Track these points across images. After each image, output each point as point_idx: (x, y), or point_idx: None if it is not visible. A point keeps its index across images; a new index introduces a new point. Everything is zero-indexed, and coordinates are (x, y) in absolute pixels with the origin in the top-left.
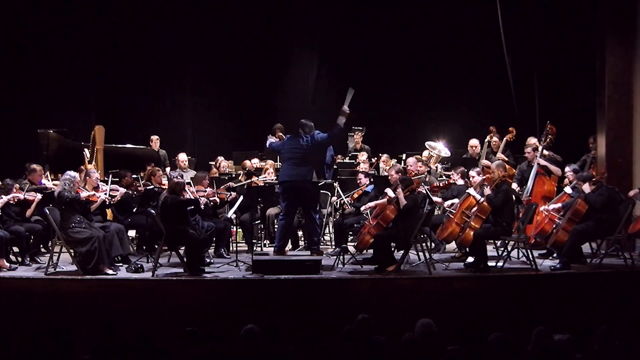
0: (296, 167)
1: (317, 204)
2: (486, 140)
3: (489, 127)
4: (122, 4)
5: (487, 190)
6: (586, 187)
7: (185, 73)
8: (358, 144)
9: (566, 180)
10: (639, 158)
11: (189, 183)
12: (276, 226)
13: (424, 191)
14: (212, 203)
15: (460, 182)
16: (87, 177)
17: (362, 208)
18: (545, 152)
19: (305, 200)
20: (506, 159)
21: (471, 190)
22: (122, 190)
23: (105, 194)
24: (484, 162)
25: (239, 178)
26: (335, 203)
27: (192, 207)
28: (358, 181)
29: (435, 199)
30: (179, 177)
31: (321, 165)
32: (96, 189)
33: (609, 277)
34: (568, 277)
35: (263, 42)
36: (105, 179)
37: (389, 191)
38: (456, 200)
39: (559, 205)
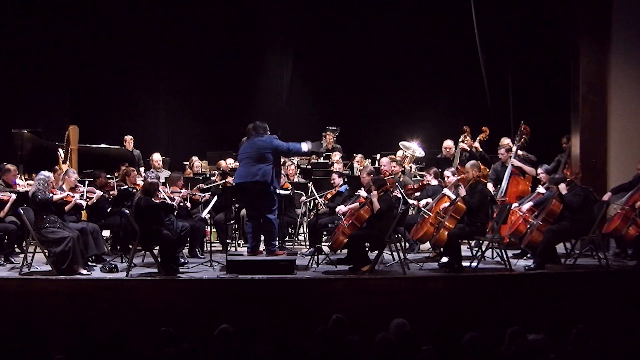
0: (246, 168)
1: (270, 205)
2: (460, 140)
3: (463, 127)
4: (96, 4)
5: (462, 191)
6: (562, 188)
7: (159, 73)
8: (330, 144)
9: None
10: (614, 158)
11: (163, 183)
12: None
13: (398, 194)
14: (185, 204)
15: (434, 182)
16: (66, 177)
17: (338, 209)
18: (520, 152)
19: (256, 201)
20: (480, 149)
21: (446, 191)
22: (99, 193)
23: (82, 195)
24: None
25: (214, 178)
26: (308, 203)
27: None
28: (332, 181)
29: (410, 201)
30: (155, 177)
31: (276, 173)
32: (73, 189)
33: (583, 277)
34: (542, 277)
35: (237, 43)
36: (83, 179)
37: (361, 192)
38: (430, 200)
39: (531, 203)
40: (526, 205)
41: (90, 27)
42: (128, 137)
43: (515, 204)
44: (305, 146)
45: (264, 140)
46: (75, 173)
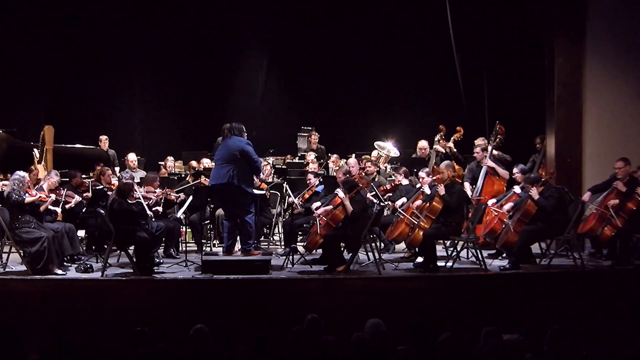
0: (218, 169)
1: (244, 205)
2: (436, 139)
3: (439, 126)
4: (71, 5)
5: (441, 190)
6: (534, 193)
7: (134, 73)
8: (314, 144)
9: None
10: (589, 158)
11: (138, 184)
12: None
13: (371, 197)
14: (160, 204)
15: (405, 182)
16: (48, 178)
17: (314, 206)
18: (495, 152)
19: (229, 202)
20: (454, 149)
21: (425, 187)
22: (78, 198)
23: (61, 197)
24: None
25: (187, 179)
26: (283, 203)
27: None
28: (308, 181)
29: (386, 202)
30: (129, 178)
31: (247, 174)
32: (54, 191)
33: (558, 277)
34: (517, 277)
35: (213, 43)
36: (64, 179)
37: (339, 192)
38: (405, 199)
39: (511, 204)
40: (507, 206)
41: (66, 27)
42: (103, 137)
43: (492, 200)
44: (261, 176)
45: (236, 141)
46: (58, 175)
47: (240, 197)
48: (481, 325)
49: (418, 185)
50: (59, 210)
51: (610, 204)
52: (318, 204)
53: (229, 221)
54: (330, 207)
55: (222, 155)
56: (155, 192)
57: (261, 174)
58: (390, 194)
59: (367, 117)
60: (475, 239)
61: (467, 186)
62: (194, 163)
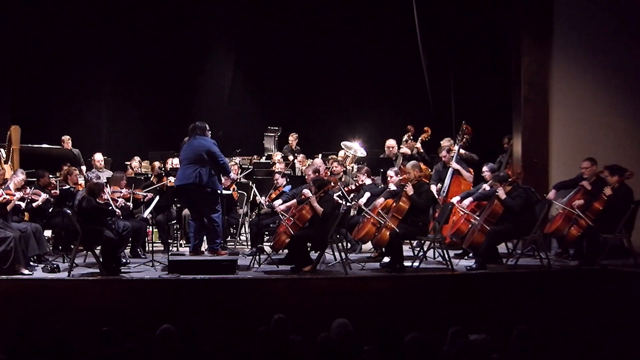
0: (184, 169)
1: (211, 205)
2: (404, 139)
3: (407, 126)
4: (37, 4)
5: (410, 189)
6: (501, 193)
7: (101, 73)
8: (292, 145)
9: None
10: (555, 158)
11: (105, 184)
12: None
13: (338, 199)
14: (128, 204)
15: (369, 181)
16: (14, 177)
17: (275, 203)
18: (462, 150)
19: (195, 202)
20: (422, 150)
21: (391, 185)
22: (44, 196)
23: (27, 195)
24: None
25: (152, 179)
26: (250, 203)
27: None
28: (275, 181)
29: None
30: (97, 177)
31: (214, 174)
32: (19, 189)
33: (525, 277)
34: (484, 277)
35: (179, 42)
36: (31, 179)
37: (306, 192)
38: (368, 194)
39: (471, 199)
40: (467, 201)
41: (32, 27)
42: (66, 137)
43: (456, 198)
44: (233, 175)
45: (202, 142)
46: (24, 174)
47: (206, 196)
48: (448, 325)
49: (382, 186)
50: (23, 205)
51: (576, 205)
52: (280, 201)
53: (195, 221)
54: (293, 201)
55: (187, 156)
56: (121, 191)
57: (232, 173)
58: (354, 194)
59: (334, 117)
60: (442, 239)
61: (433, 188)
62: (157, 164)
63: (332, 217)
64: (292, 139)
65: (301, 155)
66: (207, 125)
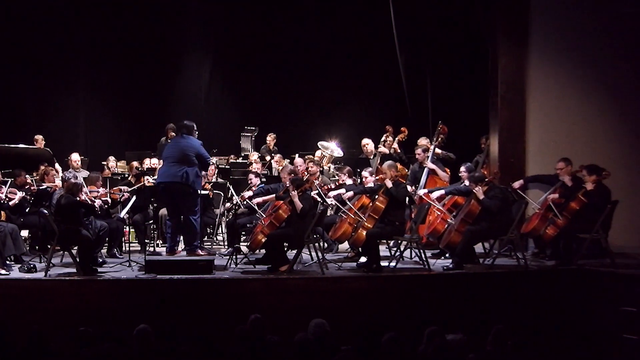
0: (169, 167)
1: (192, 206)
2: (382, 139)
3: (386, 127)
4: (11, 3)
5: (389, 183)
6: (479, 193)
7: (77, 73)
8: (270, 145)
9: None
10: (532, 158)
11: (82, 184)
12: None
13: (316, 196)
14: (105, 205)
15: (349, 181)
16: None
17: (254, 201)
18: (438, 150)
19: (177, 201)
20: (399, 150)
21: (369, 184)
22: (20, 194)
23: (2, 194)
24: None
25: (129, 179)
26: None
27: (85, 210)
28: (249, 181)
29: (328, 201)
30: (74, 178)
31: (198, 175)
32: None
33: (502, 277)
34: (461, 277)
35: (156, 42)
36: (5, 179)
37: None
38: (343, 190)
39: (442, 192)
40: (436, 194)
41: (6, 26)
42: (39, 137)
43: (424, 190)
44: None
45: (189, 142)
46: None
47: (188, 197)
48: (425, 325)
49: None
50: (3, 196)
51: (550, 198)
52: (259, 199)
53: (172, 220)
54: (272, 196)
55: (172, 154)
56: (98, 191)
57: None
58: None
59: (311, 117)
60: (418, 239)
61: (409, 189)
62: (135, 164)
63: (309, 216)
64: (270, 139)
65: (278, 155)
66: (194, 125)
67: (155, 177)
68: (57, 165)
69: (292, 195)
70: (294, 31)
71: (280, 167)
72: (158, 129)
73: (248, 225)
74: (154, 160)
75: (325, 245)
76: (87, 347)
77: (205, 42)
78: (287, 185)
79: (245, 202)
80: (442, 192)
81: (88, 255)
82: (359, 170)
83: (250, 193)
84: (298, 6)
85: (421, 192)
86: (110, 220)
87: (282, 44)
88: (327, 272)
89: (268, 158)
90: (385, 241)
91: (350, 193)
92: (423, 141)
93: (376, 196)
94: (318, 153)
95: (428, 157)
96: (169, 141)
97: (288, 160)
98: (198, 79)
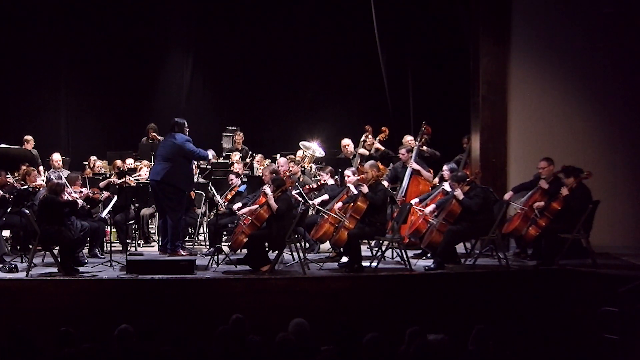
0: (155, 166)
1: (173, 205)
2: (362, 139)
3: (365, 127)
4: None
5: (365, 188)
6: (459, 193)
7: (58, 72)
8: (238, 144)
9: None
10: (514, 158)
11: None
12: (151, 226)
13: (297, 195)
14: (88, 205)
15: (331, 181)
16: None
17: (235, 207)
18: (424, 147)
19: (159, 199)
20: (382, 148)
21: (350, 185)
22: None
23: None
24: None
25: (111, 178)
26: (208, 203)
27: (69, 209)
28: (230, 182)
29: (310, 201)
30: (58, 177)
31: (184, 174)
32: None
33: (483, 277)
34: (442, 277)
35: (137, 41)
36: None
37: (266, 189)
38: (326, 196)
39: (433, 206)
40: (429, 208)
41: None
42: (29, 138)
43: (415, 199)
44: (210, 154)
45: (175, 140)
46: None
47: (170, 195)
48: (406, 325)
49: (341, 188)
50: None
51: (535, 206)
52: (239, 204)
53: (160, 218)
54: (255, 206)
55: (160, 152)
56: (82, 190)
57: (210, 152)
58: (317, 192)
59: (292, 117)
60: (400, 239)
61: (384, 184)
62: (118, 162)
63: (289, 217)
64: (238, 137)
65: (259, 155)
66: (185, 122)
67: (137, 176)
68: (40, 167)
69: (267, 197)
70: (275, 31)
71: (262, 167)
72: (139, 129)
73: (230, 225)
74: (129, 160)
75: (307, 245)
76: (68, 347)
77: (186, 41)
78: (268, 183)
79: (227, 205)
80: (434, 206)
81: (69, 255)
82: (340, 170)
83: (239, 205)
84: (279, 6)
85: (413, 202)
86: (92, 220)
87: (263, 44)
88: (309, 272)
89: (237, 157)
90: (366, 241)
91: (319, 200)
92: (408, 138)
93: (357, 196)
94: (299, 153)
95: (412, 157)
96: (153, 141)
97: (269, 161)
98: (179, 79)
